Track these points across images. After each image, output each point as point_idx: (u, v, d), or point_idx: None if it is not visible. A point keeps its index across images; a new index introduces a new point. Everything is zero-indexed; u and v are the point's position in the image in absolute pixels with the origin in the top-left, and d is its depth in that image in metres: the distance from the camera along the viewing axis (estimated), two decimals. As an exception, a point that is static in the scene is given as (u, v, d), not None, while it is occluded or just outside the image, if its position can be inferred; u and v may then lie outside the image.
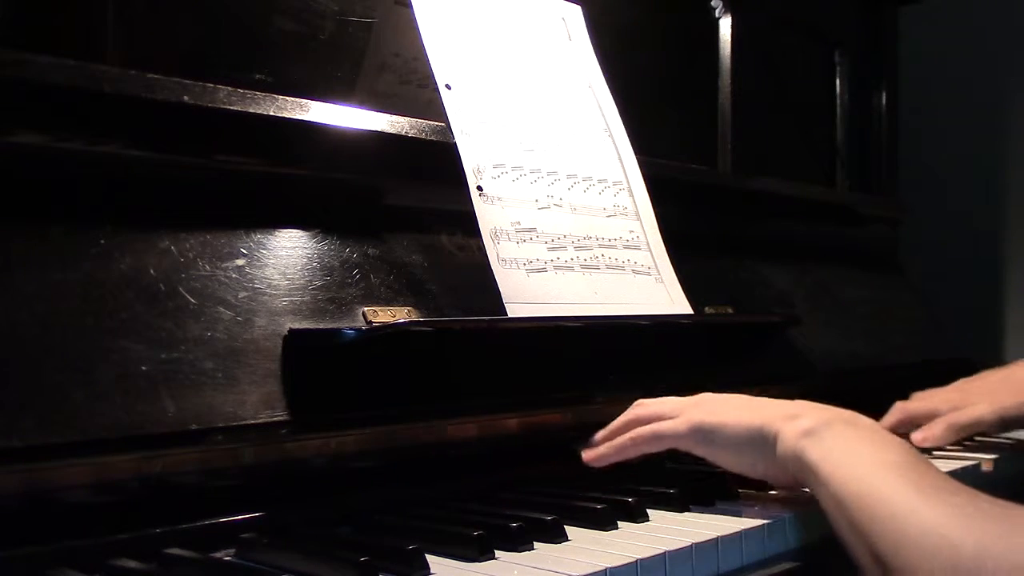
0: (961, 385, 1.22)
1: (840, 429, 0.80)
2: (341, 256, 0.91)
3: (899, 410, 1.22)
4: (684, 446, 0.90)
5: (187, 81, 0.83)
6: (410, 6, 1.02)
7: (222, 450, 0.77)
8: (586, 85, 1.17)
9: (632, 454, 0.92)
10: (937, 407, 1.16)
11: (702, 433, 0.88)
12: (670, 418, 0.91)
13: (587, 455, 0.94)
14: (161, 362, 0.74)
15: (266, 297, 0.84)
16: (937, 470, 0.75)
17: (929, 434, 1.12)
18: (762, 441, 0.85)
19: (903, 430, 1.22)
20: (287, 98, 0.90)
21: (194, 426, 0.74)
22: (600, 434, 0.96)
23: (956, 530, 0.66)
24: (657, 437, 0.91)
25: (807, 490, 0.90)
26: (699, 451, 0.90)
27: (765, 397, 0.94)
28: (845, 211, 1.70)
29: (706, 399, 0.93)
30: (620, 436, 0.93)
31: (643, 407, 0.95)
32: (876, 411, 1.27)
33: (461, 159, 0.97)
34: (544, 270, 0.98)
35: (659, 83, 1.46)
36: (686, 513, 0.86)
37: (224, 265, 0.83)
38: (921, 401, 1.21)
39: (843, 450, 0.78)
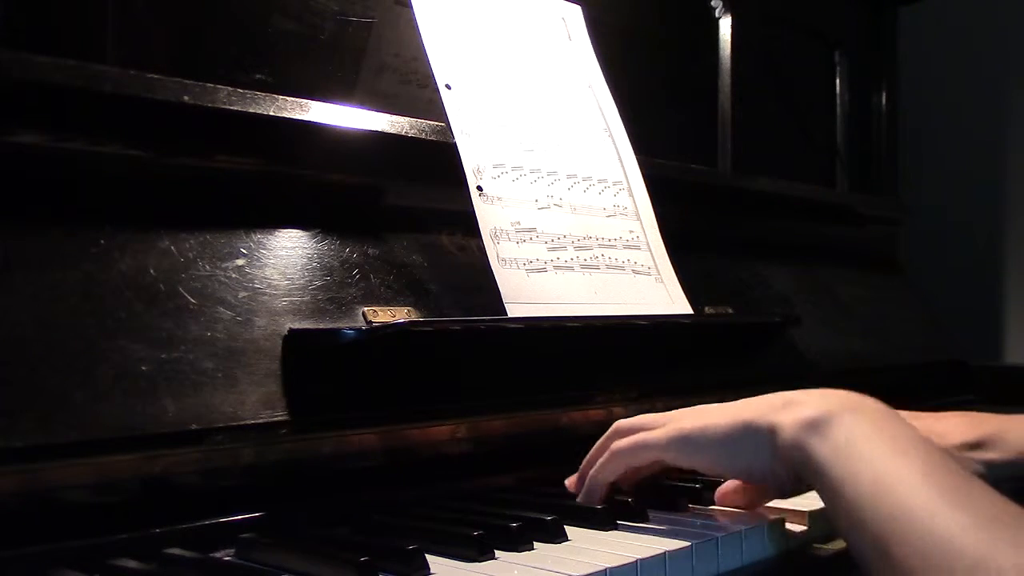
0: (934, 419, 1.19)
1: (849, 421, 0.71)
2: (341, 256, 0.91)
3: None
4: (666, 457, 0.82)
5: (187, 81, 0.83)
6: (410, 6, 1.02)
7: (222, 450, 0.77)
8: (586, 85, 1.17)
9: (615, 471, 0.83)
10: None
11: (684, 439, 0.79)
12: (651, 429, 0.83)
13: (581, 496, 0.85)
14: (161, 362, 0.74)
15: (266, 297, 0.84)
16: (956, 465, 0.67)
17: None
18: (754, 438, 0.76)
19: None
20: (287, 98, 0.90)
21: (194, 426, 0.74)
22: (586, 463, 0.88)
23: (978, 546, 0.59)
24: (637, 448, 0.82)
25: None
26: (684, 461, 0.81)
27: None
28: (845, 211, 1.70)
29: (689, 410, 0.84)
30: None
31: (621, 424, 0.86)
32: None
33: (461, 159, 0.97)
34: (544, 270, 0.98)
35: (659, 83, 1.46)
36: (687, 513, 0.86)
37: (224, 265, 0.83)
38: None
39: (856, 447, 0.69)
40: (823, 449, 0.70)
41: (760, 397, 0.81)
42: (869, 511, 0.65)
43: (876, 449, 0.69)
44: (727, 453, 0.78)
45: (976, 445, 0.96)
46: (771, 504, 0.88)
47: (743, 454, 0.77)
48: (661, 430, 0.81)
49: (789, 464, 0.74)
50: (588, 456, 0.88)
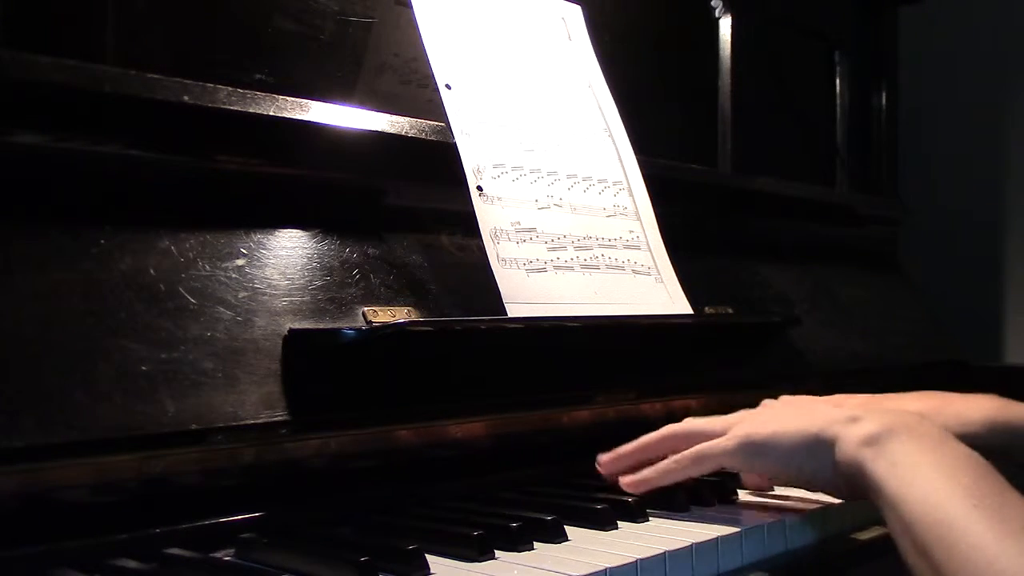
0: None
1: (906, 440, 0.75)
2: (341, 256, 0.91)
3: None
4: (732, 464, 0.85)
5: (187, 81, 0.83)
6: (410, 6, 1.02)
7: (222, 450, 0.77)
8: (586, 85, 1.17)
9: (677, 478, 0.86)
10: None
11: (753, 447, 0.82)
12: (713, 435, 0.85)
13: (626, 480, 0.87)
14: (161, 362, 0.74)
15: (266, 297, 0.84)
16: (997, 477, 0.71)
17: None
18: (817, 450, 0.79)
19: None
20: (287, 98, 0.90)
21: (194, 426, 0.74)
22: (629, 449, 0.90)
23: (1010, 556, 0.63)
24: (702, 458, 0.85)
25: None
26: (749, 467, 0.85)
27: (802, 397, 0.94)
28: (845, 211, 1.70)
29: (752, 412, 0.88)
30: (661, 458, 0.87)
31: (680, 424, 0.89)
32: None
33: (461, 159, 0.97)
34: (544, 270, 0.98)
35: (659, 83, 1.46)
36: (686, 513, 0.86)
37: (224, 265, 0.83)
38: None
39: (910, 467, 0.73)
40: (878, 466, 0.74)
41: (825, 403, 0.87)
42: (918, 524, 0.69)
43: (926, 467, 0.72)
44: (793, 464, 0.82)
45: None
46: (780, 503, 0.89)
47: (807, 466, 0.81)
48: (727, 437, 0.84)
49: (847, 476, 0.78)
50: (638, 444, 0.89)
